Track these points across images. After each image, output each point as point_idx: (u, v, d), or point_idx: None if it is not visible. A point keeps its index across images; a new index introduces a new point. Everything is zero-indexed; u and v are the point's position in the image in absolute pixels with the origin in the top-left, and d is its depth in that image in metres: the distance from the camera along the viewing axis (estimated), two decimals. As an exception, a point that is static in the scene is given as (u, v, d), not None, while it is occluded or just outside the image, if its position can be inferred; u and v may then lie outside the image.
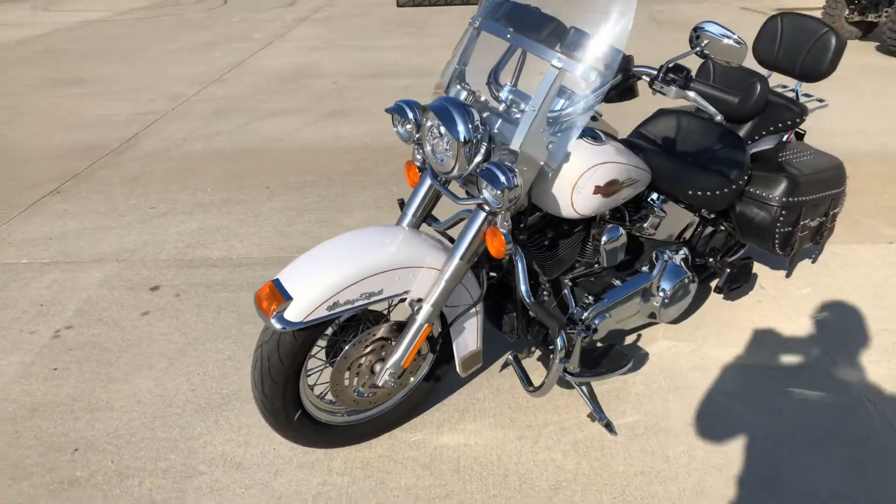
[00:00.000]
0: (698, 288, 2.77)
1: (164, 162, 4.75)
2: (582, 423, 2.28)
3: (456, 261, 1.93)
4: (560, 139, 1.85)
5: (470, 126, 1.78)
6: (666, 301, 2.46)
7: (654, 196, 2.40)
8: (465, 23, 10.34)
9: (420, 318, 1.96)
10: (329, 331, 2.00)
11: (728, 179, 2.42)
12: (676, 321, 2.82)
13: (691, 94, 1.81)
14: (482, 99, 2.02)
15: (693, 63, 2.61)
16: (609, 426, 2.26)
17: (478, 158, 1.86)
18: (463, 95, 2.02)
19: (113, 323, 2.85)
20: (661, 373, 2.53)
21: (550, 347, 2.17)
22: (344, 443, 2.14)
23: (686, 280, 2.48)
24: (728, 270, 2.64)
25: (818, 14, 10.23)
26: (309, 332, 1.84)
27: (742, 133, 2.60)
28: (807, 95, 2.90)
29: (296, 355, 1.85)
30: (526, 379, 2.24)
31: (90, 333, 2.78)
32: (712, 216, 2.62)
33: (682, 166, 2.40)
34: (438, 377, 2.24)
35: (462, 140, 1.78)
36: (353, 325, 2.03)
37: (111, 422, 2.30)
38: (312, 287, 1.79)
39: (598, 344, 2.62)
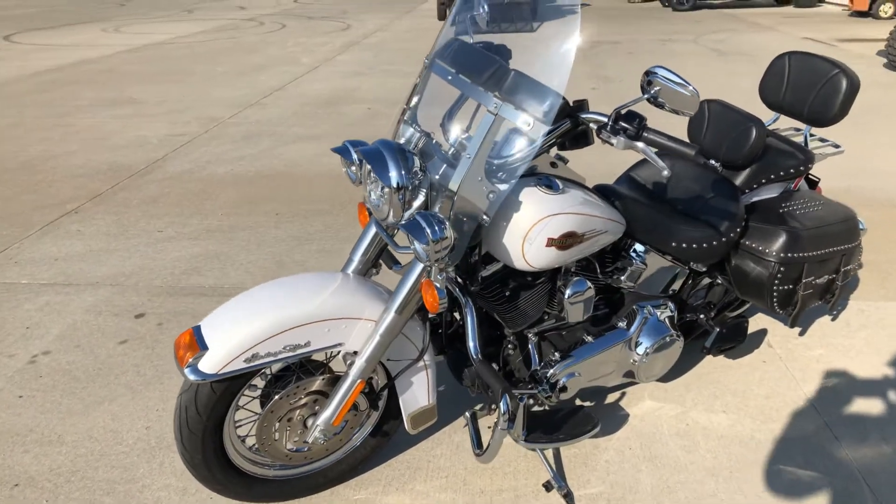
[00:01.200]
0: (692, 344, 2.57)
1: (184, 185, 4.80)
2: (539, 492, 2.10)
3: (391, 314, 1.81)
4: (498, 188, 1.72)
5: (403, 172, 1.67)
6: (644, 360, 2.27)
7: (637, 247, 2.22)
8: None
9: (353, 373, 1.84)
10: (259, 381, 1.90)
11: (716, 231, 2.23)
12: (665, 379, 2.61)
13: (640, 145, 1.65)
14: (434, 142, 1.91)
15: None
16: (568, 496, 2.08)
17: (415, 205, 1.74)
18: (415, 137, 1.91)
19: (89, 350, 2.84)
20: (637, 438, 2.33)
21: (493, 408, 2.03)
22: (279, 497, 2.03)
23: (668, 338, 2.28)
24: (717, 330, 2.42)
25: (880, 47, 9.72)
26: (229, 383, 1.75)
27: (739, 181, 2.40)
28: (822, 140, 2.68)
29: (214, 407, 1.75)
30: (477, 441, 2.09)
31: (65, 360, 2.77)
32: (703, 269, 2.43)
33: (665, 216, 2.22)
34: (386, 433, 2.11)
35: (394, 186, 1.67)
36: (289, 375, 1.92)
37: (58, 457, 2.26)
38: (230, 337, 1.70)
39: (579, 401, 2.44)
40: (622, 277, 2.23)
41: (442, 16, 12.77)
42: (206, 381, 1.69)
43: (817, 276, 2.42)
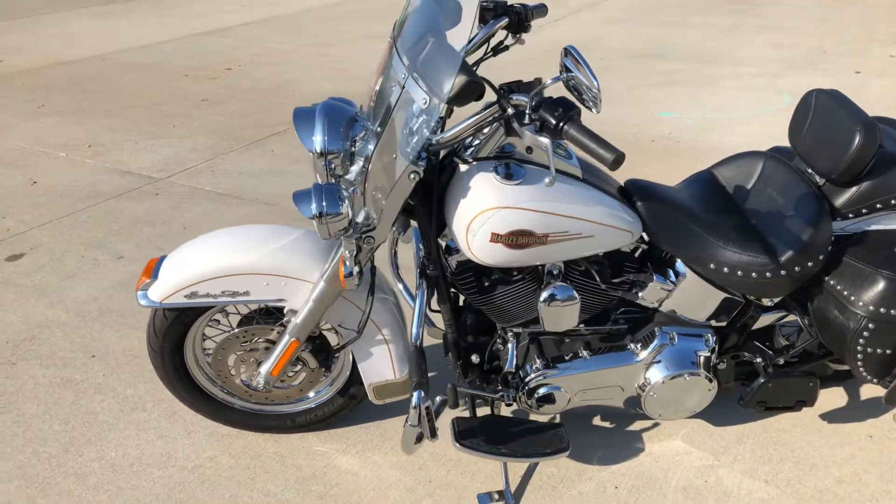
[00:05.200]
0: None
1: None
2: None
3: (321, 283, 1.78)
4: (419, 169, 1.54)
5: (327, 138, 1.59)
6: (653, 394, 1.92)
7: (678, 264, 1.84)
8: (821, 2, 8.75)
9: (287, 331, 1.86)
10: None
11: (774, 262, 1.75)
12: (718, 423, 2.16)
13: (545, 141, 1.34)
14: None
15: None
16: (512, 516, 1.89)
17: (348, 177, 1.65)
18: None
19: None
20: (635, 478, 2.00)
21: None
22: (246, 427, 2.16)
23: (687, 375, 1.89)
24: (761, 380, 1.92)
25: None
26: (179, 313, 1.89)
27: (841, 200, 1.82)
28: None
29: (168, 332, 1.91)
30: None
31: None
32: (770, 303, 1.93)
33: (711, 230, 1.80)
34: (354, 396, 2.10)
35: (315, 151, 1.60)
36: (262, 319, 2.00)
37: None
38: (176, 273, 1.82)
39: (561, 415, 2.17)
40: (640, 293, 1.88)
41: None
42: (151, 307, 1.84)
43: (938, 346, 1.77)
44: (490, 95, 1.52)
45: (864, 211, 1.81)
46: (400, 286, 2.05)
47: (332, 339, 2.04)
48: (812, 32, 7.21)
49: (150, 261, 1.92)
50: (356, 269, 1.66)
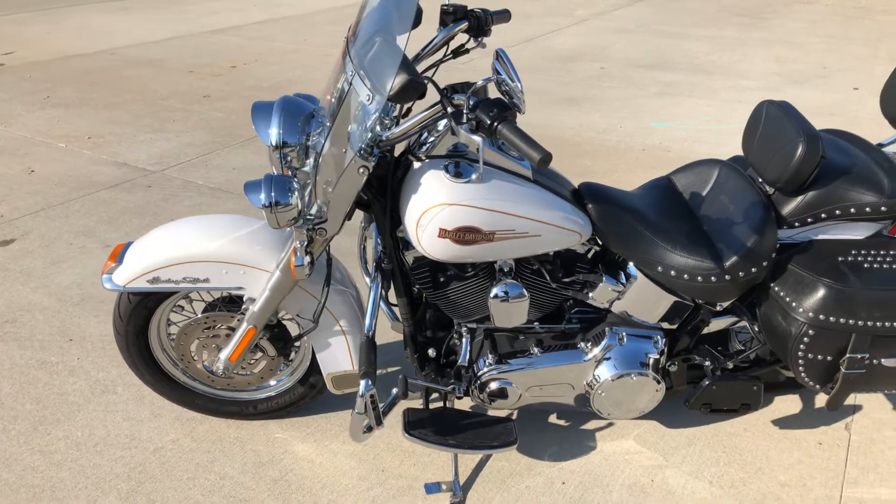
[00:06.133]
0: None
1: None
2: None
3: (276, 272, 1.83)
4: (369, 165, 1.60)
5: (282, 131, 1.65)
6: (601, 392, 1.96)
7: (630, 266, 1.89)
8: (830, 18, 8.74)
9: (245, 318, 1.91)
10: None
11: (718, 266, 1.79)
12: (673, 425, 2.20)
13: (477, 139, 1.40)
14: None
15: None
16: (457, 507, 1.93)
17: (304, 169, 1.71)
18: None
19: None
20: (583, 475, 2.04)
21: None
22: (207, 412, 2.21)
23: (634, 376, 1.93)
24: (706, 383, 1.96)
25: None
26: (143, 298, 1.95)
27: (788, 209, 1.86)
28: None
29: (131, 315, 1.97)
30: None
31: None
32: (721, 307, 1.97)
33: (658, 233, 1.85)
34: (313, 385, 2.15)
35: (270, 144, 1.66)
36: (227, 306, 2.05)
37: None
38: (140, 259, 1.88)
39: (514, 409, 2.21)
40: (590, 294, 1.92)
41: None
42: (115, 290, 1.90)
43: (881, 355, 1.80)
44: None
45: (809, 220, 1.85)
46: (367, 280, 2.10)
47: (294, 330, 2.09)
48: (816, 48, 7.22)
49: (116, 245, 1.99)
50: (307, 259, 1.72)
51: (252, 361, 2.08)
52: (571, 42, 7.60)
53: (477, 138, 1.41)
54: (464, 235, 1.66)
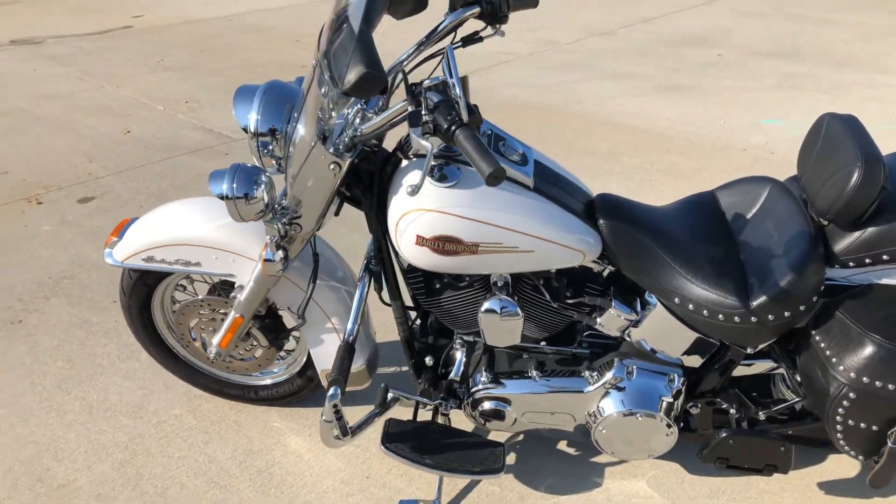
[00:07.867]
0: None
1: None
2: (413, 507, 1.87)
3: (259, 264, 1.76)
4: (342, 161, 1.48)
5: (260, 118, 1.56)
6: (602, 429, 1.76)
7: (643, 289, 1.68)
8: None
9: (234, 306, 1.86)
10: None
11: (744, 305, 1.54)
12: (696, 471, 1.96)
13: (428, 145, 1.23)
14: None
15: None
16: (434, 529, 1.81)
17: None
18: None
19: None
20: (577, 515, 1.85)
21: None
22: (214, 392, 2.20)
23: (640, 418, 1.71)
24: (722, 436, 1.70)
25: None
26: (141, 275, 1.94)
27: (842, 245, 1.56)
28: None
29: (133, 290, 1.98)
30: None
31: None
32: (752, 350, 1.70)
33: (683, 261, 1.61)
34: (311, 379, 2.09)
35: (250, 130, 1.58)
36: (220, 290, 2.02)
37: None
38: (138, 236, 1.87)
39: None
40: (599, 319, 1.72)
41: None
42: (114, 266, 1.91)
43: (939, 431, 1.49)
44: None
45: (867, 261, 1.54)
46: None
47: (290, 322, 2.03)
48: (984, 42, 6.28)
49: (122, 220, 2.00)
50: (279, 254, 1.63)
51: (248, 348, 2.04)
52: (692, 25, 7.05)
53: (426, 143, 1.25)
54: (443, 245, 1.52)
